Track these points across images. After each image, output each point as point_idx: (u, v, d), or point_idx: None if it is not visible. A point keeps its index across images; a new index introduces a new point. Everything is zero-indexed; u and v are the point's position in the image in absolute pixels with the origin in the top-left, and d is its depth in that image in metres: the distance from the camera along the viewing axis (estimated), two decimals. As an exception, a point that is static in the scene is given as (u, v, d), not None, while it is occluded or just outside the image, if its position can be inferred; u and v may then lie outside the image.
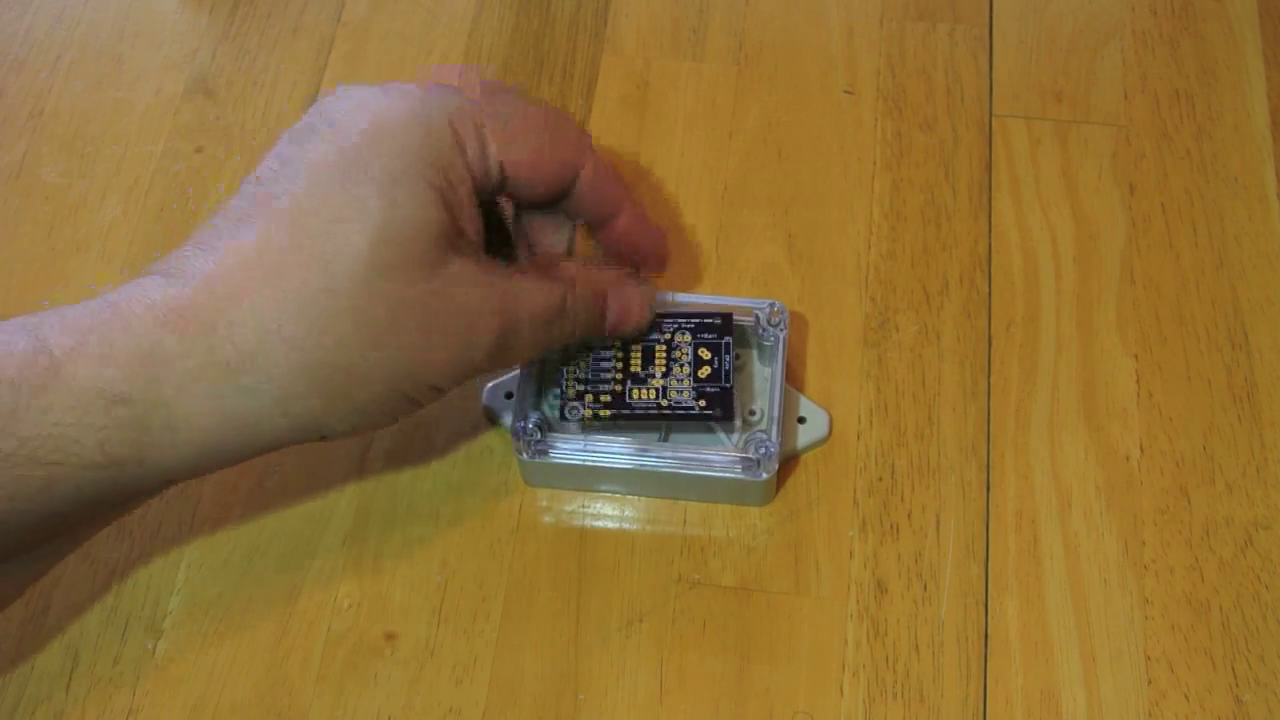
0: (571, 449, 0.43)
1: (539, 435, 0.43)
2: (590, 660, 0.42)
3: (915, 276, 0.48)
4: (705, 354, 0.44)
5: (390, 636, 0.42)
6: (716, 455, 0.43)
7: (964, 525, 0.44)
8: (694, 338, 0.44)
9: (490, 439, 0.46)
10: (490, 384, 0.46)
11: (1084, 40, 0.53)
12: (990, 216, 0.50)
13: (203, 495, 0.45)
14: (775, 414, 0.43)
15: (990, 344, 0.47)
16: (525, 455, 0.43)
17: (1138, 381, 0.46)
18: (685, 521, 0.44)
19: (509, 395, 0.45)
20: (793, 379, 0.46)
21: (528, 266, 0.42)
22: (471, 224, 0.39)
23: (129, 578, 0.44)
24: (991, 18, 0.54)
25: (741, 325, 0.44)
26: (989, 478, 0.45)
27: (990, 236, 0.49)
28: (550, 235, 0.44)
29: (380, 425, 0.39)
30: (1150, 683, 0.41)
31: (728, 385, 0.43)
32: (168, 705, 0.41)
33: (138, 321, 0.35)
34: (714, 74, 0.53)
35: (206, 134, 0.52)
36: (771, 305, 0.45)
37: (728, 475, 0.43)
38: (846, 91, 0.52)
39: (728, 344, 0.44)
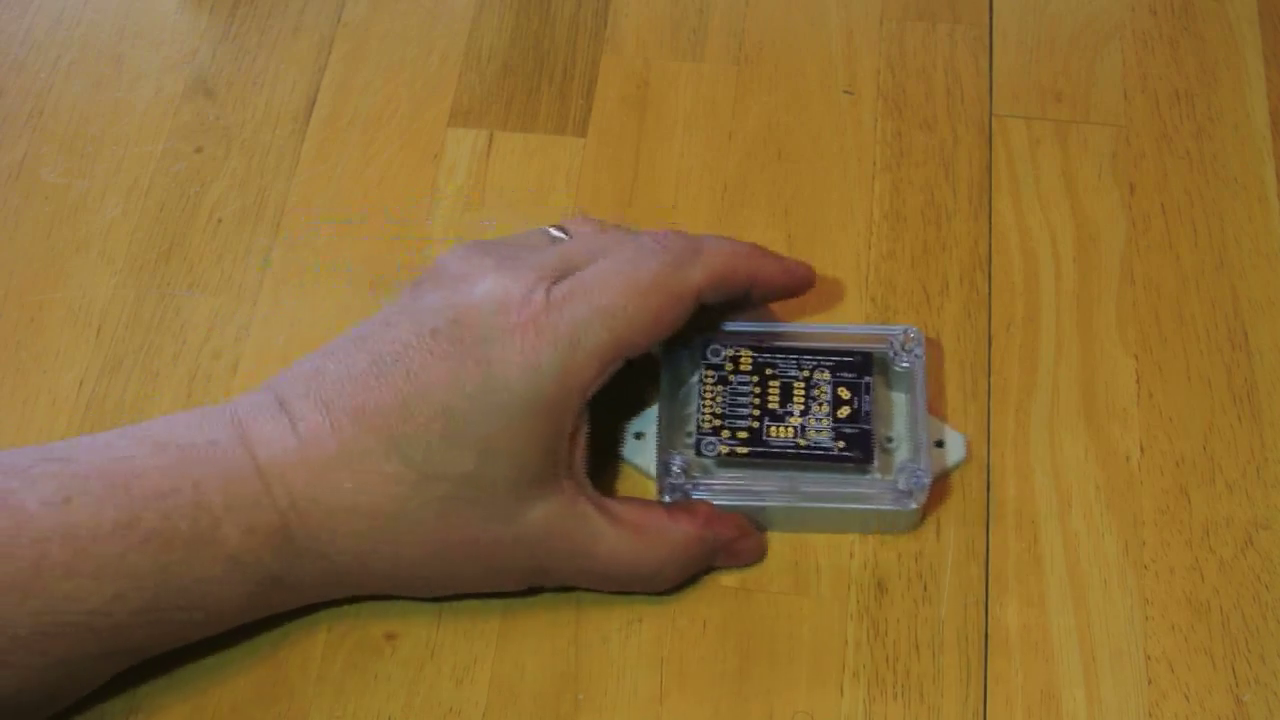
0: (717, 489, 0.42)
1: (684, 478, 0.42)
2: (590, 660, 0.42)
3: (915, 276, 0.48)
4: (844, 393, 0.43)
5: (390, 636, 0.42)
6: (866, 489, 0.42)
7: (964, 525, 0.44)
8: (833, 376, 0.43)
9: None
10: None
11: (1084, 40, 0.53)
12: (990, 217, 0.50)
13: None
14: (922, 442, 0.42)
15: (990, 344, 0.47)
16: (668, 497, 0.42)
17: (1138, 381, 0.46)
18: (685, 521, 0.44)
19: (639, 435, 0.44)
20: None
21: (635, 515, 0.40)
22: (577, 447, 0.39)
23: (129, 578, 0.44)
24: (991, 18, 0.54)
25: (873, 351, 0.43)
26: (989, 478, 0.45)
27: (990, 237, 0.49)
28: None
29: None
30: (1150, 683, 0.41)
31: (867, 427, 0.42)
32: (168, 705, 0.41)
33: (271, 494, 0.37)
34: (714, 74, 0.53)
35: (206, 134, 0.52)
36: (905, 331, 0.44)
37: (878, 508, 0.42)
38: (846, 92, 0.52)
39: (868, 384, 0.43)
